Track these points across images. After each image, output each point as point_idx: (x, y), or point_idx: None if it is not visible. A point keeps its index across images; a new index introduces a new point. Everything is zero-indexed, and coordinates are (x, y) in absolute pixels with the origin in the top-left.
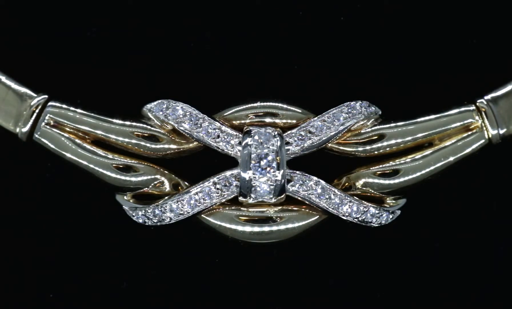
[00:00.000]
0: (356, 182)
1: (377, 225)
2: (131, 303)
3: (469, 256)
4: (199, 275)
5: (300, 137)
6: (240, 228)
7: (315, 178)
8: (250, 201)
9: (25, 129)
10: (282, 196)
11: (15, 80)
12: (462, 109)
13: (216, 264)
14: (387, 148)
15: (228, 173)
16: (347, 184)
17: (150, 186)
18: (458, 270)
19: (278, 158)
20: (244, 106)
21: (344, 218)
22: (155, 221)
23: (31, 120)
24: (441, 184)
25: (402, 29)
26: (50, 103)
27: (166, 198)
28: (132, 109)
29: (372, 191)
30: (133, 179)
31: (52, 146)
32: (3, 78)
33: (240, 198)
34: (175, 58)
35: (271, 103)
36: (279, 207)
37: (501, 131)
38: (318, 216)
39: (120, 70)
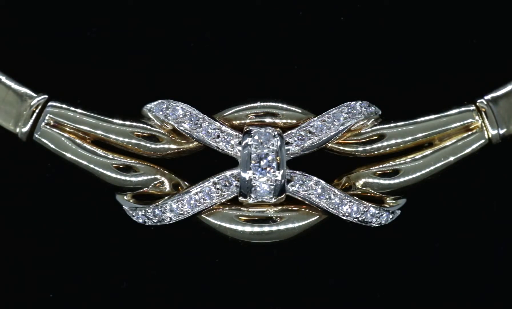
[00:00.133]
0: (356, 182)
1: (377, 225)
2: (131, 303)
3: (469, 256)
4: (199, 275)
5: (300, 137)
6: (240, 228)
7: (315, 178)
8: (250, 201)
9: (25, 129)
10: (282, 196)
11: (15, 80)
12: (462, 109)
13: (216, 264)
14: (387, 148)
15: (228, 173)
16: (347, 184)
17: (150, 186)
18: (458, 270)
19: (278, 158)
20: (244, 106)
21: (344, 218)
22: (155, 221)
23: (31, 120)
24: (441, 184)
25: (402, 29)
26: (50, 103)
27: (166, 198)
28: (132, 109)
29: (372, 191)
30: (133, 179)
31: (52, 146)
32: (3, 78)
33: (240, 198)
34: (175, 58)
35: (271, 103)
36: (279, 207)
37: (501, 131)
38: (318, 216)
39: (120, 70)
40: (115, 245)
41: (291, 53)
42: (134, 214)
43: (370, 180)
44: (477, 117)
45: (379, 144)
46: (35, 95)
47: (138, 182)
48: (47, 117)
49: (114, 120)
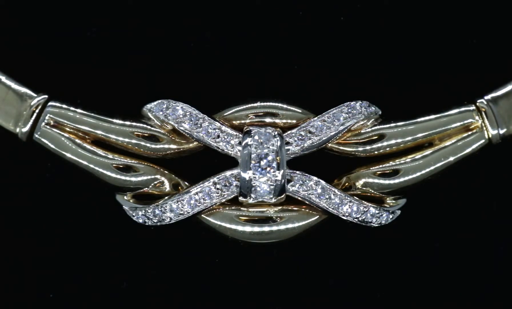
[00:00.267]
0: (356, 182)
1: (377, 225)
2: (131, 303)
3: (469, 256)
4: (199, 275)
5: (300, 137)
6: (240, 228)
7: (315, 178)
8: (250, 201)
9: (25, 129)
10: (282, 196)
11: (15, 80)
12: (462, 109)
13: (216, 264)
14: (387, 148)
15: (228, 173)
16: (347, 184)
17: (150, 186)
18: (458, 270)
19: (278, 158)
20: (244, 106)
21: (344, 218)
22: (155, 221)
23: (31, 120)
24: (441, 184)
25: (402, 29)
26: (50, 103)
27: (166, 198)
28: (132, 109)
29: (372, 191)
30: (133, 179)
31: (52, 146)
32: (3, 78)
33: (240, 198)
34: (175, 58)
35: (271, 103)
36: (279, 207)
37: (501, 131)
38: (318, 216)
39: (120, 70)
40: (115, 245)
41: (291, 53)
42: (134, 214)
43: (370, 180)
44: (477, 117)
45: (379, 144)
46: (35, 95)
47: (138, 182)
48: (47, 117)
49: (114, 120)
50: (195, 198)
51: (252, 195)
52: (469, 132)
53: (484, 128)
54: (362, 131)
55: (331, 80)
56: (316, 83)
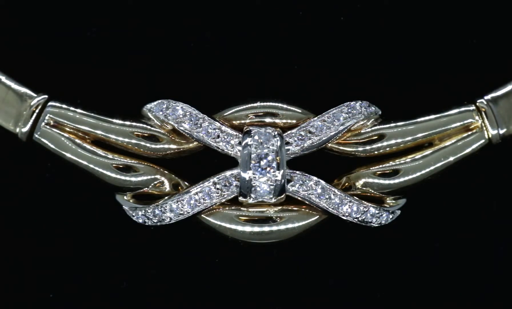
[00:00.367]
0: (356, 182)
1: (377, 225)
2: (131, 303)
3: (469, 256)
4: (199, 275)
5: (300, 137)
6: (240, 228)
7: (315, 178)
8: (250, 201)
9: (25, 129)
10: (282, 196)
11: (15, 80)
12: (462, 109)
13: (216, 264)
14: (387, 148)
15: (228, 173)
16: (347, 184)
17: (150, 186)
18: (458, 270)
19: (278, 158)
20: (244, 106)
21: (344, 218)
22: (155, 221)
23: (31, 120)
24: (441, 184)
25: (402, 29)
26: (50, 103)
27: (166, 198)
28: (132, 109)
29: (372, 191)
30: (133, 179)
31: (52, 146)
32: (3, 78)
33: (240, 198)
34: (175, 58)
35: (271, 103)
36: (279, 207)
37: (501, 131)
38: (318, 216)
39: (120, 70)
40: (115, 245)
41: (291, 53)
42: (134, 214)
43: (370, 180)
44: (477, 117)
45: (379, 144)
46: (35, 95)
47: (138, 182)
48: (47, 117)
49: (114, 120)
50: (195, 198)
51: (252, 195)
52: (469, 132)
53: (484, 128)
54: (362, 131)
55: (331, 80)
56: (316, 83)
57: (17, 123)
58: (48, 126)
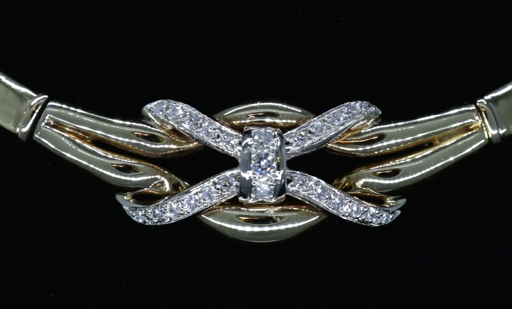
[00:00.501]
0: (356, 182)
1: (377, 225)
2: (131, 303)
3: (469, 256)
4: (199, 275)
5: (300, 137)
6: (240, 228)
7: (315, 178)
8: (250, 201)
9: (25, 129)
10: (282, 196)
11: (15, 80)
12: (462, 109)
13: (216, 264)
14: (387, 148)
15: (228, 173)
16: (347, 184)
17: (150, 186)
18: (458, 270)
19: (278, 158)
20: (244, 106)
21: (344, 218)
22: (155, 221)
23: (31, 120)
24: (441, 184)
25: (402, 29)
26: (50, 103)
27: (166, 198)
28: (132, 109)
29: (372, 191)
30: (133, 179)
31: (52, 146)
32: (3, 78)
33: (240, 198)
34: (175, 58)
35: (271, 103)
36: (279, 207)
37: (501, 131)
38: (318, 216)
39: (120, 70)
40: (115, 245)
41: (291, 53)
42: (134, 214)
43: (370, 180)
44: (477, 117)
45: (379, 144)
46: (35, 95)
47: (138, 182)
48: (47, 117)
49: (114, 120)
50: (195, 198)
51: (252, 195)
52: (469, 132)
53: (484, 128)
54: (362, 131)
55: (331, 80)
56: (316, 83)
57: (17, 123)
58: (48, 126)
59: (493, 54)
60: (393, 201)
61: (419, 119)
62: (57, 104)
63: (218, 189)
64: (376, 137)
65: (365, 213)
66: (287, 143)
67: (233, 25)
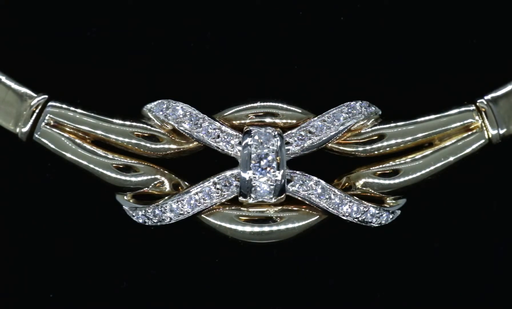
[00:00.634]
0: (356, 182)
1: (377, 225)
2: (131, 303)
3: (469, 256)
4: (199, 275)
5: (300, 137)
6: (240, 228)
7: (315, 178)
8: (250, 201)
9: (25, 129)
10: (282, 196)
11: (15, 80)
12: (462, 109)
13: (216, 264)
14: (387, 148)
15: (228, 173)
16: (347, 184)
17: (150, 186)
18: (458, 270)
19: (278, 158)
20: (244, 106)
21: (344, 218)
22: (155, 221)
23: (31, 120)
24: (441, 184)
25: (402, 29)
26: (50, 103)
27: (166, 198)
28: (132, 109)
29: (372, 191)
30: (133, 179)
31: (52, 146)
32: (3, 78)
33: (240, 198)
34: (175, 58)
35: (271, 103)
36: (279, 207)
37: (501, 131)
38: (318, 216)
39: (120, 70)
40: (115, 245)
41: (291, 53)
42: (134, 214)
43: (370, 180)
44: (477, 117)
45: (379, 144)
46: (35, 95)
47: (138, 182)
48: (47, 117)
49: (114, 120)
50: (195, 198)
51: (252, 195)
52: (469, 132)
53: (484, 128)
54: (362, 131)
55: (331, 80)
56: (316, 83)
57: (17, 123)
58: (48, 126)
59: (493, 54)
60: (393, 201)
61: (419, 119)
62: (57, 104)
63: (218, 189)
64: (376, 137)
65: (365, 213)
66: (287, 143)
67: (233, 25)
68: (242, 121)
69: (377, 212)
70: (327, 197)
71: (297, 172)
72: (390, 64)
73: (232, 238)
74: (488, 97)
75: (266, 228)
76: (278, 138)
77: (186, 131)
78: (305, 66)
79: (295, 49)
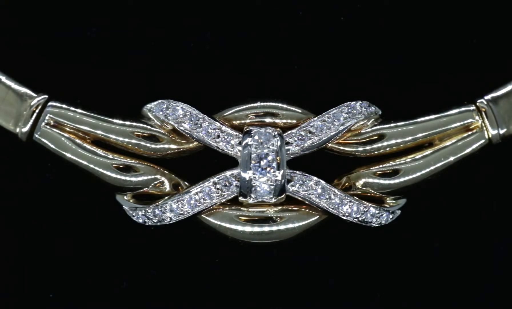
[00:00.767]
0: (356, 182)
1: (377, 225)
2: (131, 303)
3: (469, 256)
4: (199, 275)
5: (300, 137)
6: (240, 228)
7: (315, 178)
8: (250, 201)
9: (25, 129)
10: (282, 196)
11: (15, 80)
12: (462, 109)
13: (216, 264)
14: (387, 148)
15: (228, 173)
16: (347, 184)
17: (150, 186)
18: (458, 270)
19: (278, 158)
20: (244, 106)
21: (344, 218)
22: (155, 221)
23: (31, 120)
24: (441, 184)
25: (402, 29)
26: (50, 103)
27: (166, 198)
28: (132, 109)
29: (372, 191)
30: (133, 179)
31: (52, 146)
32: (3, 78)
33: (240, 198)
34: (175, 58)
35: (271, 103)
36: (279, 207)
37: (501, 131)
38: (318, 216)
39: (120, 70)
40: (115, 245)
41: (291, 53)
42: (134, 214)
43: (370, 180)
44: (477, 117)
45: (379, 144)
46: (35, 95)
47: (138, 182)
48: (47, 117)
49: (114, 120)
50: (195, 198)
51: (252, 195)
52: (469, 132)
53: (484, 128)
54: (362, 131)
55: (331, 80)
56: (316, 83)
57: (17, 123)
58: (48, 126)
59: (493, 54)
60: (393, 201)
61: (419, 119)
62: (57, 104)
63: (218, 189)
64: (376, 137)
65: (365, 213)
66: (287, 143)
67: (233, 25)
68: (242, 121)
69: (377, 212)
70: (327, 197)
71: (297, 172)
72: (390, 64)
73: (232, 238)
74: (488, 97)
75: (266, 228)
76: (278, 138)
77: (186, 131)
78: (305, 66)
79: (295, 49)
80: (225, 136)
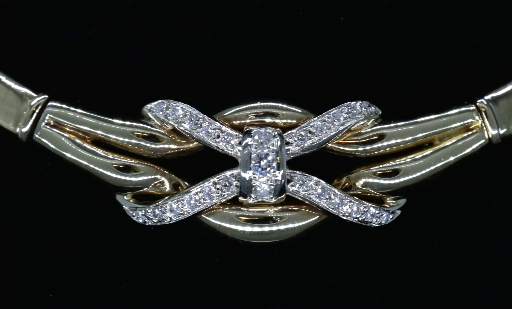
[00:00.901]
0: (356, 182)
1: (377, 225)
2: (131, 303)
3: (469, 256)
4: (199, 275)
5: (300, 137)
6: (240, 228)
7: (315, 178)
8: (250, 201)
9: (25, 129)
10: (282, 196)
11: (15, 80)
12: (462, 109)
13: (216, 264)
14: (387, 148)
15: (228, 173)
16: (347, 184)
17: (150, 186)
18: (458, 270)
19: (278, 157)
20: (244, 106)
21: (344, 218)
22: (155, 221)
23: (31, 120)
24: (441, 184)
25: (402, 29)
26: (50, 103)
27: (166, 198)
28: (132, 109)
29: (372, 191)
30: (133, 179)
31: (52, 146)
32: (3, 78)
33: (240, 198)
34: (175, 58)
35: (271, 103)
36: (279, 207)
37: (501, 131)
38: (318, 216)
39: (120, 70)
40: (115, 245)
41: (291, 53)
42: (134, 214)
43: (370, 180)
44: (477, 117)
45: (379, 144)
46: (35, 95)
47: (138, 182)
48: (47, 117)
49: (114, 120)
50: (195, 198)
51: (252, 195)
52: (469, 132)
53: (484, 128)
54: (362, 131)
55: (331, 80)
56: (316, 83)
57: (17, 123)
58: (48, 126)
59: (493, 54)
60: (393, 201)
61: (419, 119)
62: (57, 104)
63: (218, 189)
64: (376, 137)
65: (365, 213)
66: (287, 143)
67: (233, 25)
68: (242, 121)
69: (377, 212)
70: (327, 197)
71: (297, 172)
72: (390, 64)
73: (232, 238)
74: (488, 97)
75: (266, 228)
76: (278, 138)
77: (186, 131)
78: (305, 66)
79: (295, 49)
80: (225, 136)
